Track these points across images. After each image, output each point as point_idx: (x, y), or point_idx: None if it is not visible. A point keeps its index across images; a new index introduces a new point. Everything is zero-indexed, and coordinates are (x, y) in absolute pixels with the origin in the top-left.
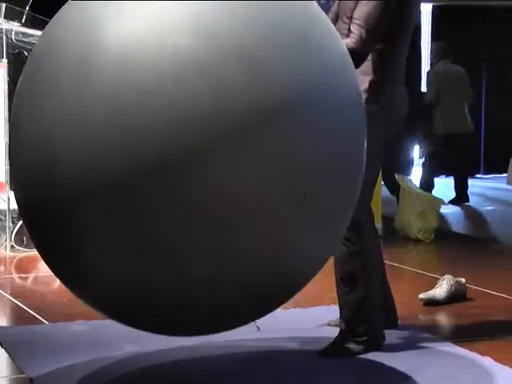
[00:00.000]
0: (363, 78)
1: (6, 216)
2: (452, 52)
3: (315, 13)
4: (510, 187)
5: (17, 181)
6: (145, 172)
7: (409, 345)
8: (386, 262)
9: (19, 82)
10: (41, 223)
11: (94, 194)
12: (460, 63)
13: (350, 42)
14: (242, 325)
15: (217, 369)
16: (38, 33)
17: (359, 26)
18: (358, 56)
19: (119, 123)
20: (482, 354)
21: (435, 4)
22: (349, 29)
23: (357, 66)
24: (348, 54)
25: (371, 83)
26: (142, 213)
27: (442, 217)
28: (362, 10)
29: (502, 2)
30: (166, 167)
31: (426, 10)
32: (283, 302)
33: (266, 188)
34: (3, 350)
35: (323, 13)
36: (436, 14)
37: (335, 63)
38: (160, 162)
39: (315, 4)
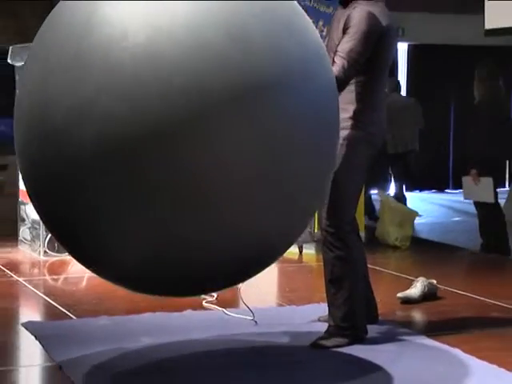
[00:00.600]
0: (347, 106)
1: (40, 226)
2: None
3: (298, 9)
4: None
5: (24, 160)
6: (146, 138)
7: (388, 338)
8: (368, 265)
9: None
10: (51, 203)
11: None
12: (432, 94)
13: (334, 70)
14: (233, 284)
15: (220, 359)
16: None
17: (342, 57)
18: (339, 83)
19: (120, 95)
20: (452, 345)
21: (410, 43)
22: (333, 60)
23: (339, 91)
24: (323, 47)
25: (355, 111)
26: (143, 180)
27: (416, 226)
28: (345, 45)
29: (472, 42)
30: (164, 133)
31: (402, 49)
32: (267, 265)
33: (251, 158)
34: (37, 342)
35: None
36: (411, 51)
37: (314, 49)
38: (158, 128)
39: (297, 4)
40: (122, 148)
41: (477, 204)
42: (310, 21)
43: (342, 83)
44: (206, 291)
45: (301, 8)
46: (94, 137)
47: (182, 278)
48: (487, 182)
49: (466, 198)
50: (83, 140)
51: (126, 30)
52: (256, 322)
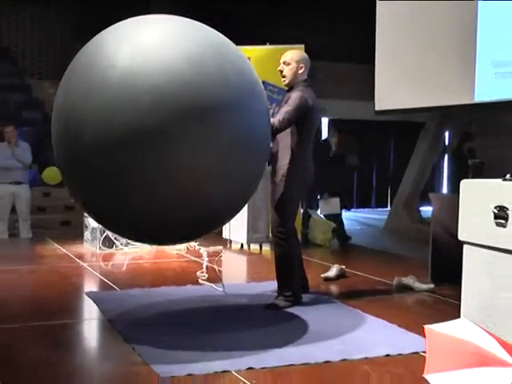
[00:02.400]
0: (286, 155)
1: (96, 230)
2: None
3: (241, 54)
4: (375, 216)
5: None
6: (136, 132)
7: (315, 302)
8: (303, 256)
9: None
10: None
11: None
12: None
13: (273, 120)
14: (201, 235)
15: (210, 315)
16: None
17: (281, 115)
18: (275, 129)
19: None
20: (354, 307)
21: (330, 118)
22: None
23: (273, 134)
24: (260, 85)
25: (291, 159)
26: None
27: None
28: (284, 109)
29: (367, 118)
30: (151, 131)
31: (324, 121)
32: (222, 223)
33: (201, 158)
34: (95, 304)
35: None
36: (332, 124)
37: (252, 85)
38: (145, 127)
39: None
40: (110, 147)
41: (326, 216)
42: (250, 64)
43: (277, 130)
44: (171, 242)
45: (242, 53)
46: (90, 138)
47: (161, 230)
48: (335, 200)
49: (321, 213)
50: (84, 138)
51: (116, 61)
52: (225, 292)
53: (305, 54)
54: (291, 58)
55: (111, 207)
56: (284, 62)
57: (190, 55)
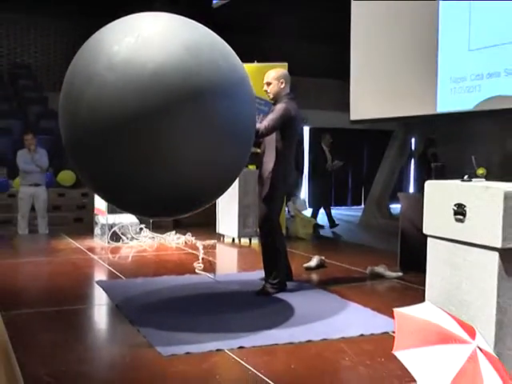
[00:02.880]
0: (271, 159)
1: (105, 227)
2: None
3: (229, 48)
4: (350, 212)
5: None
6: (134, 113)
7: (298, 289)
8: (287, 248)
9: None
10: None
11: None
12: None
13: (260, 125)
14: (183, 213)
15: (206, 300)
16: None
17: (266, 121)
18: (260, 134)
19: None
20: (333, 292)
21: (311, 127)
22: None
23: (257, 138)
24: (246, 73)
25: (276, 163)
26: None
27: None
28: (269, 117)
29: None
30: (147, 113)
31: (306, 130)
32: (200, 206)
33: (193, 139)
34: (104, 292)
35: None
36: (311, 131)
37: (240, 74)
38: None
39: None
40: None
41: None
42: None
43: (262, 135)
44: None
45: (234, 52)
46: (85, 116)
47: (154, 205)
48: (302, 200)
49: (288, 212)
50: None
51: (120, 41)
52: (216, 280)
53: (283, 71)
54: (272, 77)
55: (110, 183)
56: (267, 83)
57: (189, 43)
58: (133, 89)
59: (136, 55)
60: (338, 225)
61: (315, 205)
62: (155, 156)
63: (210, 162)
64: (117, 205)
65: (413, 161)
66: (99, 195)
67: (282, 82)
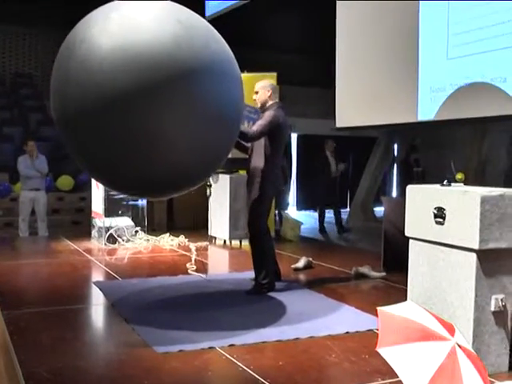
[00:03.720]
0: (260, 164)
1: (102, 229)
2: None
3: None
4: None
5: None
6: (125, 93)
7: (286, 289)
8: (276, 249)
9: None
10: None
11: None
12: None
13: (249, 129)
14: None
15: (199, 299)
16: None
17: (255, 126)
18: (249, 137)
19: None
20: (319, 292)
21: (298, 133)
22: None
23: (245, 140)
24: (233, 57)
25: (264, 168)
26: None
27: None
28: (258, 123)
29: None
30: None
31: (294, 136)
32: (187, 187)
33: (184, 119)
34: (100, 292)
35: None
36: (298, 138)
37: (229, 54)
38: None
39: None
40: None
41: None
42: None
43: (250, 138)
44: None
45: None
46: (75, 96)
47: (143, 185)
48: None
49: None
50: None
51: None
52: (207, 279)
53: (270, 81)
54: (259, 87)
55: (101, 164)
56: (256, 92)
57: (183, 18)
58: (123, 64)
59: (124, 29)
60: (347, 230)
61: (321, 208)
62: (144, 136)
63: (199, 143)
64: (107, 185)
65: (395, 166)
66: (90, 175)
67: (268, 91)
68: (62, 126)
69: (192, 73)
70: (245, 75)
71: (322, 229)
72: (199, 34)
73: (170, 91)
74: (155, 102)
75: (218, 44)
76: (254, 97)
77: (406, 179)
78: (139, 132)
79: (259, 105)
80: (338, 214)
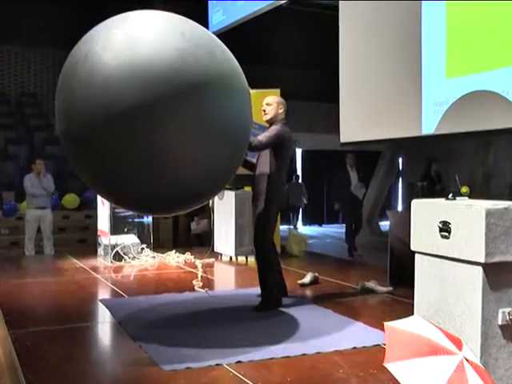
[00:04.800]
0: (263, 180)
1: (108, 247)
2: None
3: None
4: (342, 230)
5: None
6: (128, 108)
7: (293, 304)
8: (282, 265)
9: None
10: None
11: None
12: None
13: (255, 139)
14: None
15: (204, 315)
16: None
17: (261, 137)
18: (254, 146)
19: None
20: (327, 307)
21: (303, 149)
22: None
23: (250, 150)
24: (239, 68)
25: (268, 184)
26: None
27: (307, 245)
28: (264, 134)
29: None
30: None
31: (298, 152)
32: (195, 204)
33: (191, 136)
34: (107, 310)
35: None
36: (303, 153)
37: (236, 66)
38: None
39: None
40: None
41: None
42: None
43: (255, 148)
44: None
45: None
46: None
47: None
48: (204, 221)
49: (193, 232)
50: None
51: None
52: (215, 296)
53: (283, 99)
54: (272, 100)
55: (106, 180)
56: (267, 104)
57: (185, 31)
58: (129, 76)
59: (130, 40)
60: (358, 255)
61: (349, 226)
62: (149, 152)
63: (206, 159)
64: (112, 201)
65: (400, 179)
66: (96, 191)
67: (280, 108)
68: (67, 142)
69: (198, 86)
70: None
71: (351, 249)
72: (204, 45)
73: (176, 106)
74: (160, 117)
75: (224, 55)
76: (265, 107)
77: (427, 193)
78: (145, 148)
79: (268, 117)
80: (354, 233)
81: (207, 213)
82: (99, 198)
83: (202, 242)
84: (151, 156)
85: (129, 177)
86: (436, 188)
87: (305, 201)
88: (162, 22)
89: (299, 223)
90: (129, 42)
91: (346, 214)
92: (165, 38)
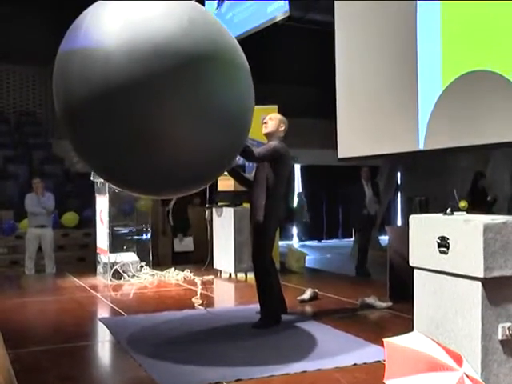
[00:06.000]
0: (262, 196)
1: (107, 265)
2: None
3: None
4: (343, 245)
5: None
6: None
7: (293, 321)
8: (281, 282)
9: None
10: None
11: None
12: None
13: (255, 151)
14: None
15: (206, 332)
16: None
17: (260, 149)
18: (251, 155)
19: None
20: (326, 324)
21: (301, 164)
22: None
23: (247, 159)
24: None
25: (266, 201)
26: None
27: (306, 261)
28: (263, 147)
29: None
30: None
31: (297, 167)
32: (213, 178)
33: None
34: (106, 328)
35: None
36: (302, 168)
37: (236, 45)
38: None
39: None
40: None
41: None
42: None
43: (253, 157)
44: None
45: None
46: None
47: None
48: (189, 239)
49: (175, 250)
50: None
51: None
52: (215, 314)
53: (286, 119)
54: (276, 117)
55: (104, 157)
56: (270, 118)
57: (192, 12)
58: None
59: (135, 22)
60: (367, 274)
61: (362, 244)
62: (146, 135)
63: (203, 146)
64: (110, 180)
65: (399, 194)
66: (94, 170)
67: (281, 126)
68: (66, 120)
69: (202, 58)
70: None
71: (362, 267)
72: (211, 28)
73: (176, 79)
74: (160, 90)
75: (230, 38)
76: (267, 120)
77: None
78: (143, 122)
79: (268, 130)
80: (366, 250)
81: (192, 229)
82: (98, 216)
83: (187, 260)
84: (149, 131)
85: (126, 151)
86: (488, 200)
87: (308, 217)
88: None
89: (295, 240)
90: (131, 28)
91: (361, 231)
92: (172, 20)
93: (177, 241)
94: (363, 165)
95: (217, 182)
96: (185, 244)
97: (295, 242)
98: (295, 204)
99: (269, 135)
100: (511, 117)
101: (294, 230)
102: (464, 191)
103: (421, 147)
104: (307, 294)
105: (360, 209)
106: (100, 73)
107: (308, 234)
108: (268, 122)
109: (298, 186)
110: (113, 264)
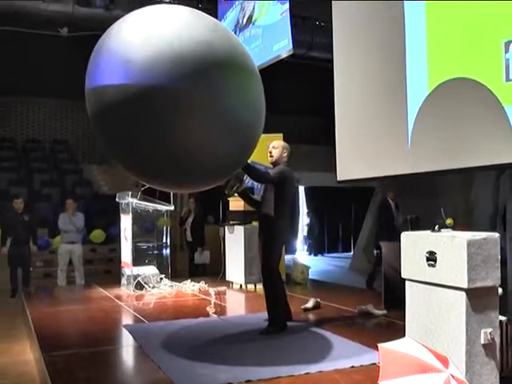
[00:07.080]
0: (269, 215)
1: (131, 277)
2: None
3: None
4: (342, 258)
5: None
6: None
7: (297, 328)
8: (287, 292)
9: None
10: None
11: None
12: (314, 207)
13: (267, 173)
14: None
15: (218, 339)
16: (146, 203)
17: (269, 172)
18: (260, 176)
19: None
20: (327, 330)
21: (305, 186)
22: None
23: (256, 180)
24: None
25: (273, 219)
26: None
27: (310, 273)
28: (271, 171)
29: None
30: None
31: (301, 189)
32: (213, 183)
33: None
34: (129, 334)
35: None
36: (306, 190)
37: (254, 67)
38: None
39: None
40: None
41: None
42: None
43: (262, 178)
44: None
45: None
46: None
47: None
48: (207, 253)
49: (195, 262)
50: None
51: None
52: (225, 320)
53: (287, 145)
54: (279, 144)
55: (130, 151)
56: (273, 147)
57: (210, 23)
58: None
59: (155, 34)
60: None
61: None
62: (168, 135)
63: (215, 150)
64: (134, 174)
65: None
66: (120, 164)
67: (285, 152)
68: (96, 118)
69: (218, 66)
70: None
71: (373, 281)
72: (227, 39)
73: (199, 89)
74: (184, 98)
75: (244, 50)
76: (271, 149)
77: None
78: (164, 125)
79: (274, 159)
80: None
81: (208, 245)
82: (123, 233)
83: (205, 272)
84: (170, 136)
85: (151, 151)
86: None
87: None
88: (191, 17)
89: (304, 253)
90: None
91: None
92: (191, 31)
93: (197, 254)
94: (389, 185)
95: (229, 203)
96: (203, 257)
97: (305, 255)
98: (308, 221)
99: (275, 163)
100: (492, 128)
101: (300, 245)
102: (450, 209)
103: (412, 170)
104: (310, 303)
105: (385, 226)
106: (131, 75)
107: (314, 248)
108: (272, 151)
109: (302, 206)
110: (135, 276)
